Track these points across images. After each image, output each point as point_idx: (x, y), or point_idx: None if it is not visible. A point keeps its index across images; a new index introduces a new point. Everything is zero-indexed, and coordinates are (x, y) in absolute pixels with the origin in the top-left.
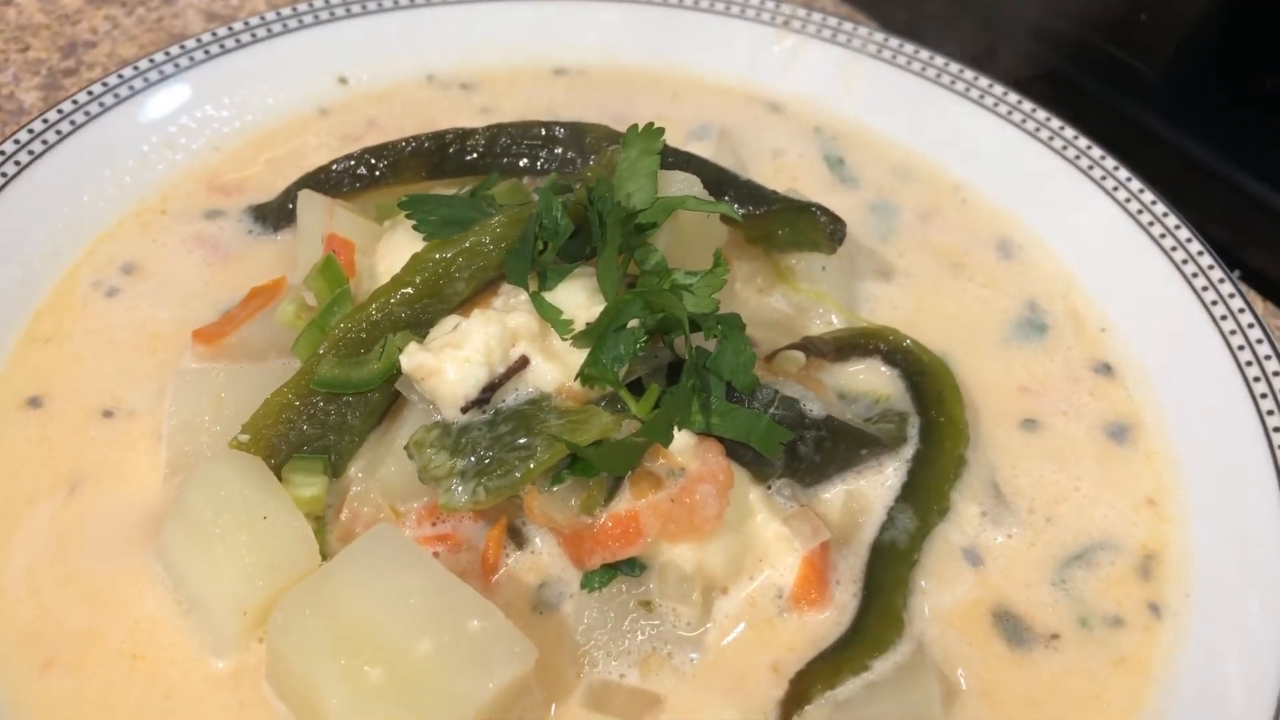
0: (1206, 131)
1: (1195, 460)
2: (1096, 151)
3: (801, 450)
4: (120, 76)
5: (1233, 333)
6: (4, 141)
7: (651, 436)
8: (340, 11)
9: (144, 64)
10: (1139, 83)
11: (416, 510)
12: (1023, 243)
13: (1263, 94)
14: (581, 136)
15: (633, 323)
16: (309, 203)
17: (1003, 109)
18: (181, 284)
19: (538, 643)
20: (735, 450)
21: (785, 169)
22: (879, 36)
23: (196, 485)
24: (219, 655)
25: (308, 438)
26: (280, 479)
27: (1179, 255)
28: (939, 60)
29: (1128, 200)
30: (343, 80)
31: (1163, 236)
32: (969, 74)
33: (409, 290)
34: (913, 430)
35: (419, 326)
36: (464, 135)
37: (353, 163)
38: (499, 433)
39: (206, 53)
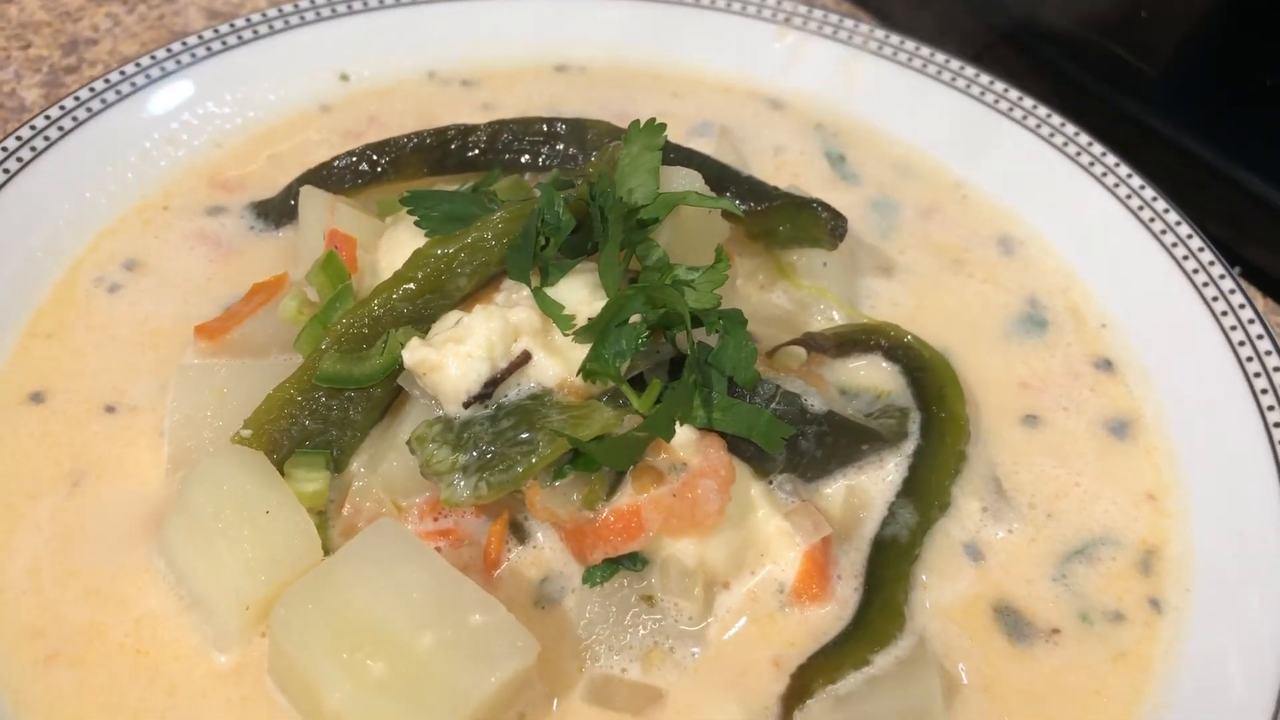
0: (1207, 129)
1: (1196, 456)
2: (1097, 148)
3: (803, 445)
4: (122, 73)
5: (1233, 328)
6: (6, 138)
7: (653, 431)
8: (342, 8)
9: (145, 60)
10: (1139, 81)
11: (419, 505)
12: (1023, 239)
13: (1263, 92)
14: (583, 132)
15: (634, 318)
16: (311, 199)
17: (1003, 105)
18: (183, 280)
19: (540, 637)
20: (737, 445)
21: (786, 166)
22: (880, 33)
23: (199, 480)
24: (221, 650)
25: (310, 433)
26: (283, 474)
27: (1179, 251)
28: (940, 57)
29: (1128, 196)
30: (344, 77)
31: (1163, 232)
32: (970, 71)
33: (411, 286)
34: (914, 426)
35: (421, 322)
36: (466, 131)
37: (354, 159)
38: (501, 428)
39: (208, 49)
